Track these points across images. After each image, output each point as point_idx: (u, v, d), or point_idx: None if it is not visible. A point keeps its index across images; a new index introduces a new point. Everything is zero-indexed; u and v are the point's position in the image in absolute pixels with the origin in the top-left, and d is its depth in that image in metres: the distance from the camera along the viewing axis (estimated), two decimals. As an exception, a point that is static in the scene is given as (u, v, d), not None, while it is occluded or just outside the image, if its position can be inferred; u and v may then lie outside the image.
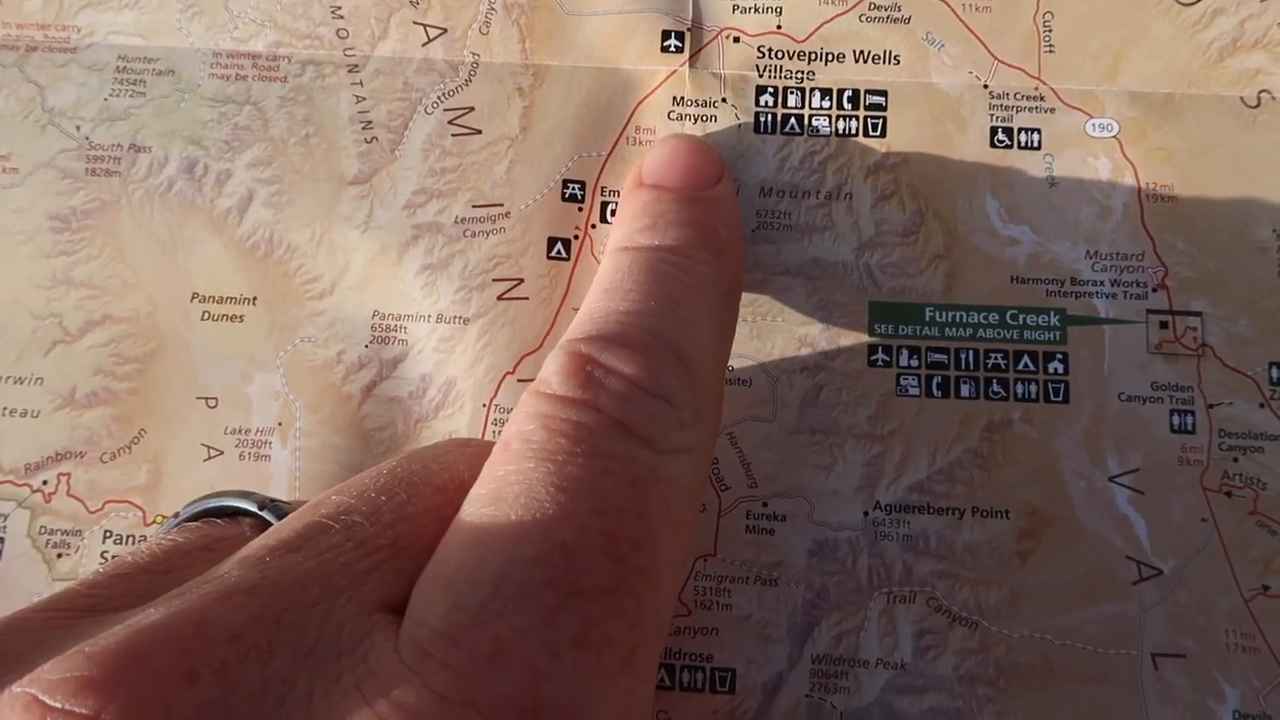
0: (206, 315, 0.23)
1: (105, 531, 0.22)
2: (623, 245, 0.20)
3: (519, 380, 0.23)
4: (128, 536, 0.22)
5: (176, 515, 0.19)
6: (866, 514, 0.22)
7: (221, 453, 0.22)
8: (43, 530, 0.22)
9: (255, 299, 0.23)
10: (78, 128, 0.23)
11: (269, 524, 0.18)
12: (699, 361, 0.17)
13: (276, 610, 0.13)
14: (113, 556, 0.22)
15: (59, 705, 0.12)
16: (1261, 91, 0.23)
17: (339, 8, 0.24)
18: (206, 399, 0.22)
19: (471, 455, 0.17)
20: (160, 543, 0.17)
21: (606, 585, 0.14)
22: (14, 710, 0.12)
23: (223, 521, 0.18)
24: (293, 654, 0.13)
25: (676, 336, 0.17)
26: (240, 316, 0.23)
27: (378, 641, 0.13)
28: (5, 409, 0.22)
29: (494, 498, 0.15)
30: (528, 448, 0.15)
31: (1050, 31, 0.24)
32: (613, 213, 0.23)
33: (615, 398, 0.16)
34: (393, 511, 0.16)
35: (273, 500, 0.19)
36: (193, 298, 0.23)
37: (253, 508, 0.18)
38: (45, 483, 0.22)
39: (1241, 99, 0.23)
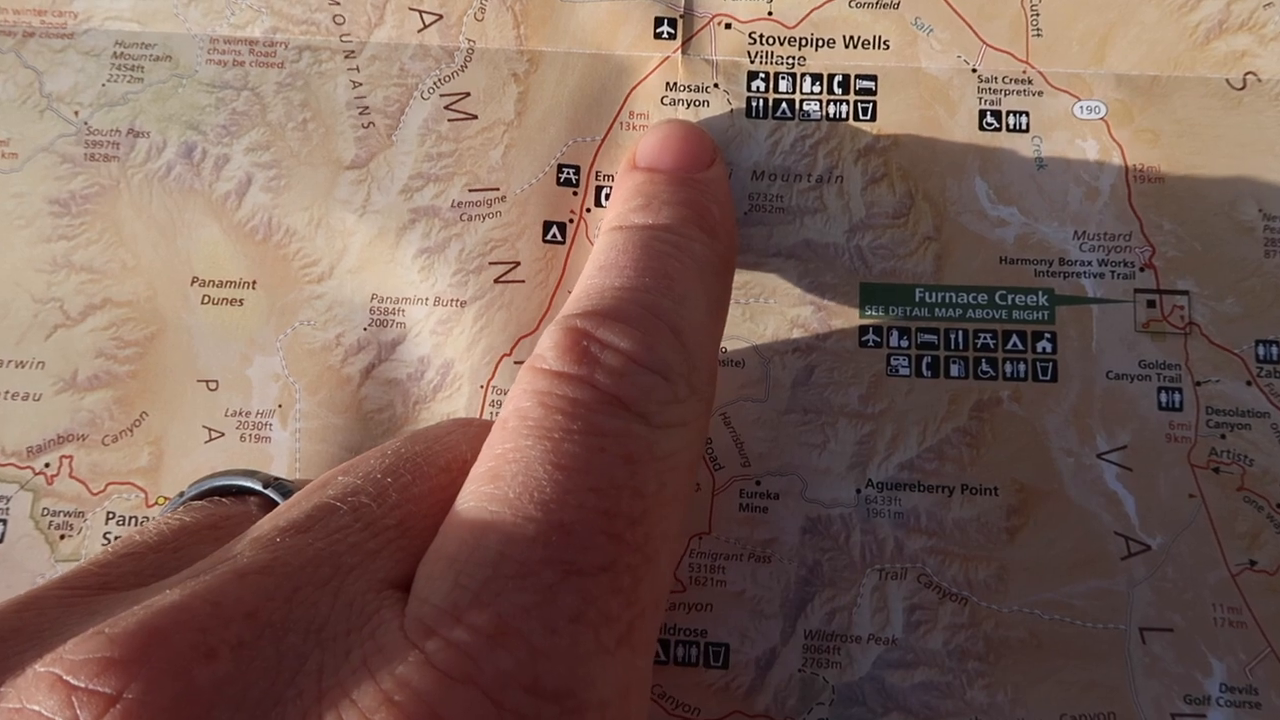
0: (206, 299, 0.23)
1: (108, 513, 0.22)
2: (617, 224, 0.20)
3: (516, 362, 0.23)
4: (130, 518, 0.22)
5: (182, 494, 0.19)
6: (859, 491, 0.22)
7: (222, 434, 0.23)
8: (45, 512, 0.22)
9: (254, 283, 0.23)
10: (76, 113, 0.24)
11: (274, 502, 0.18)
12: (693, 336, 0.18)
13: (289, 589, 0.14)
14: (116, 537, 0.22)
15: (82, 685, 0.12)
16: (1247, 73, 0.23)
17: (335, -6, 0.24)
18: (207, 381, 0.23)
19: (474, 435, 0.18)
20: (168, 521, 0.17)
21: (603, 563, 0.14)
22: (39, 689, 0.12)
23: (228, 500, 0.19)
24: (305, 631, 0.13)
25: (671, 311, 0.18)
26: (240, 300, 0.23)
27: (385, 619, 0.14)
28: (7, 392, 0.23)
29: (493, 476, 0.15)
30: (524, 425, 0.16)
31: (1038, 15, 0.24)
32: (608, 196, 0.24)
33: (611, 373, 0.16)
34: (399, 492, 0.16)
35: (277, 479, 0.19)
36: (192, 281, 0.23)
37: (258, 486, 0.19)
38: (48, 465, 0.22)
39: (1227, 81, 0.23)
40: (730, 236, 0.21)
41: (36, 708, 0.12)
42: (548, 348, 0.17)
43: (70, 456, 0.23)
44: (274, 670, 0.13)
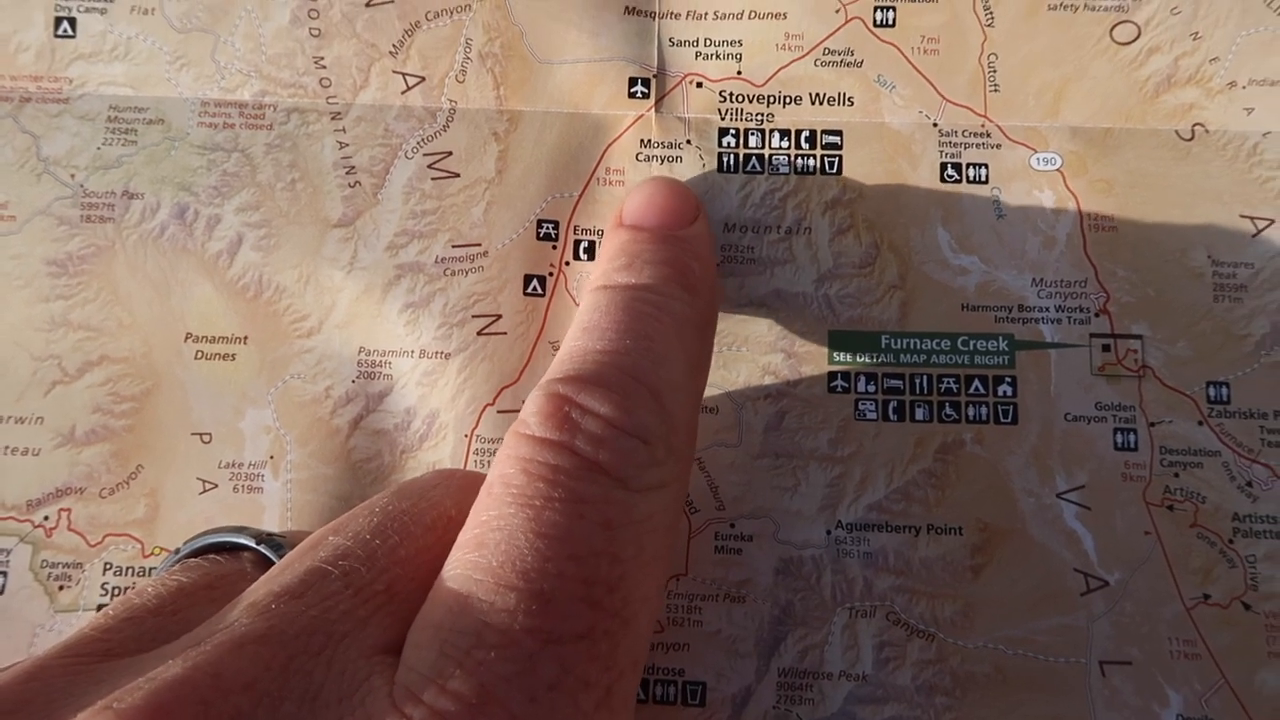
0: (200, 354, 0.24)
1: (105, 564, 0.23)
2: (601, 284, 0.21)
3: (499, 411, 0.24)
4: (127, 568, 0.23)
5: (177, 551, 0.20)
6: (829, 533, 0.23)
7: (216, 486, 0.23)
8: (44, 564, 0.23)
9: (246, 338, 0.24)
10: (72, 176, 0.25)
11: (267, 558, 0.19)
12: (672, 397, 0.18)
13: (285, 658, 0.14)
14: (114, 588, 0.23)
15: None
16: (1195, 125, 0.24)
17: (321, 58, 0.25)
18: (201, 435, 0.24)
19: (457, 489, 0.18)
20: (165, 583, 0.18)
21: (582, 630, 0.15)
22: None
23: (223, 558, 0.19)
24: (300, 699, 0.14)
25: (651, 374, 0.18)
26: (232, 355, 0.24)
27: (375, 686, 0.14)
28: (7, 448, 0.24)
29: (478, 544, 0.16)
30: (508, 492, 0.16)
31: (995, 72, 0.25)
32: (585, 250, 0.25)
33: (591, 439, 0.17)
34: (386, 555, 0.17)
35: (269, 535, 0.20)
36: (186, 338, 0.24)
37: (250, 542, 0.19)
38: (46, 518, 0.23)
39: (1176, 132, 0.24)
40: (711, 293, 0.22)
41: None
42: (531, 413, 0.17)
43: (69, 509, 0.23)
44: None
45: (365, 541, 0.17)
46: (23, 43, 0.25)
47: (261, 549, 0.19)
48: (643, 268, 0.21)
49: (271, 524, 0.23)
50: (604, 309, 0.20)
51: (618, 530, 0.16)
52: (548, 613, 0.15)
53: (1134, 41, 0.25)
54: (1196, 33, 0.25)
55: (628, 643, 0.16)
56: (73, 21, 0.25)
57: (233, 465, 0.23)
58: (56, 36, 0.25)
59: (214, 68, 0.25)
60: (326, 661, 0.15)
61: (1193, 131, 0.24)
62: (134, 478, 0.23)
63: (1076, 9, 0.25)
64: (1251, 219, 0.24)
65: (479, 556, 0.16)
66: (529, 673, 0.14)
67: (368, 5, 0.25)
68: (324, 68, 0.25)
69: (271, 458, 0.24)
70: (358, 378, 0.24)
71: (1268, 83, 0.24)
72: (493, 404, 0.24)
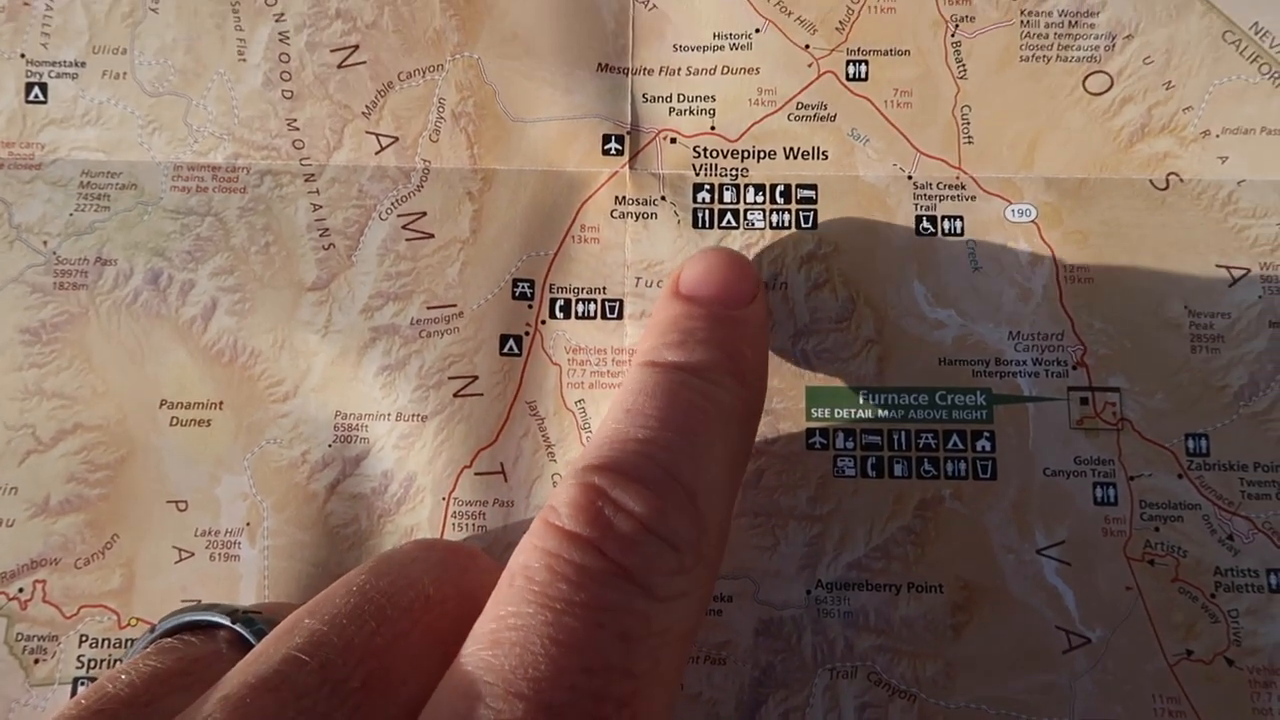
0: (175, 421, 0.24)
1: (81, 636, 0.23)
2: (649, 359, 0.20)
3: (476, 474, 0.24)
4: (103, 640, 0.23)
5: (152, 630, 0.20)
6: (809, 592, 0.23)
7: (192, 554, 0.23)
8: (20, 637, 0.23)
9: (221, 403, 0.24)
10: (45, 243, 0.24)
11: (242, 636, 0.19)
12: (708, 499, 0.18)
13: None
14: (90, 662, 0.23)
15: None
16: (1170, 174, 0.24)
17: (295, 119, 0.25)
18: (176, 502, 0.23)
19: (437, 564, 0.18)
20: (138, 669, 0.18)
21: None
22: None
23: (197, 638, 0.19)
24: None
25: (690, 473, 0.18)
26: (207, 421, 0.24)
27: None
28: (-19, 519, 0.23)
29: (493, 642, 0.16)
30: (529, 588, 0.16)
31: (968, 124, 0.25)
32: (561, 308, 0.24)
33: (620, 541, 0.17)
34: (363, 644, 0.17)
35: (245, 613, 0.20)
36: (161, 404, 0.24)
37: (225, 620, 0.19)
38: (21, 590, 0.23)
39: (1151, 182, 0.24)
40: (761, 382, 0.21)
41: None
42: (563, 502, 0.17)
43: (43, 581, 0.23)
44: None
45: (342, 628, 0.17)
46: (-5, 110, 0.25)
47: (237, 628, 0.19)
48: (695, 347, 0.20)
49: (249, 592, 0.23)
50: (649, 392, 0.19)
51: (635, 643, 0.16)
52: None
53: (1107, 92, 0.25)
54: (1169, 82, 0.25)
55: None
56: (44, 87, 0.25)
57: (209, 533, 0.23)
58: (28, 102, 0.25)
59: (186, 131, 0.25)
60: None
61: (1167, 181, 0.24)
62: (109, 547, 0.23)
63: (1049, 60, 0.25)
64: (1228, 268, 0.24)
65: (492, 657, 0.15)
66: None
67: (340, 66, 0.25)
68: (297, 129, 0.25)
69: (248, 524, 0.23)
70: (334, 442, 0.24)
71: (1241, 131, 0.24)
72: (470, 466, 0.24)
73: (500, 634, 0.16)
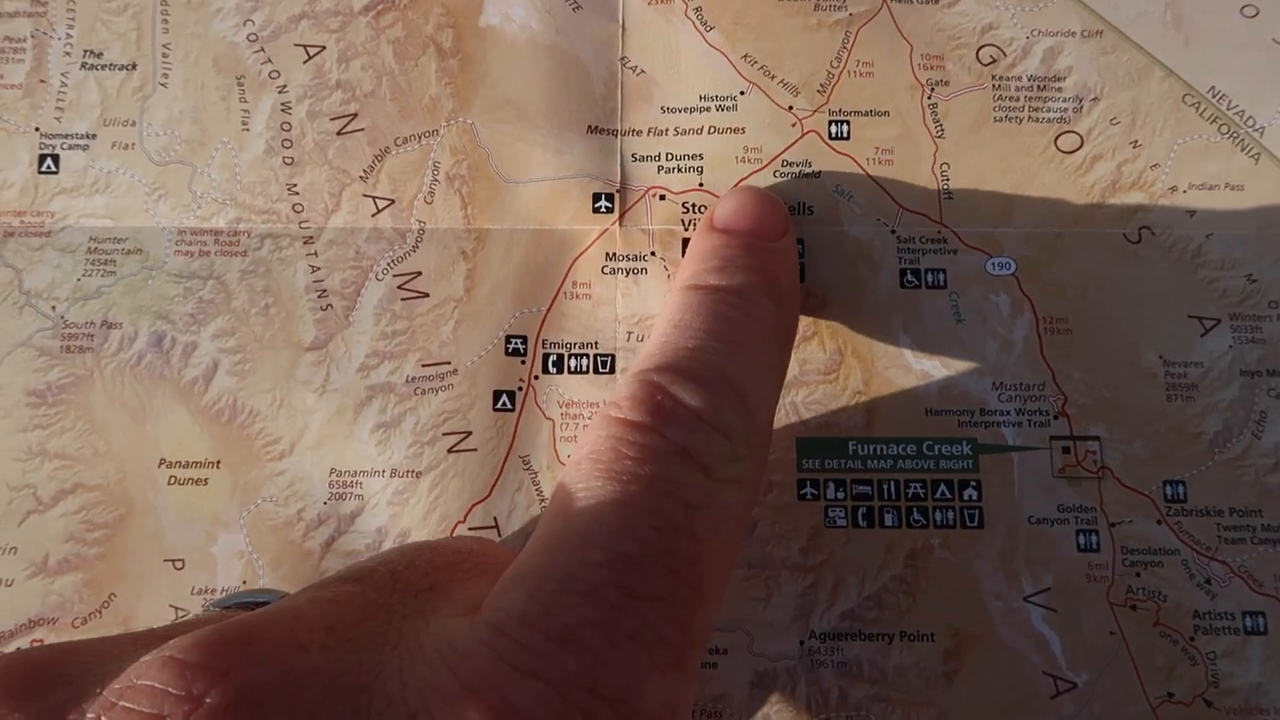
0: (173, 480, 0.24)
1: (77, 696, 0.23)
2: (691, 283, 0.21)
3: (470, 529, 0.24)
4: (99, 699, 0.23)
5: (208, 609, 0.21)
6: (802, 643, 0.23)
7: (189, 613, 0.23)
8: (17, 698, 0.23)
9: (218, 462, 0.24)
10: (53, 308, 0.25)
11: None
12: (755, 400, 0.19)
13: (355, 619, 0.16)
14: None
15: (195, 660, 0.13)
16: (1142, 228, 0.25)
17: (295, 184, 0.26)
18: (174, 561, 0.24)
19: (468, 538, 0.20)
20: (208, 615, 0.19)
21: (661, 592, 0.16)
22: (152, 667, 0.14)
23: None
24: (380, 646, 0.15)
25: (738, 376, 0.19)
26: (205, 480, 0.24)
27: (459, 628, 0.15)
28: (-19, 579, 0.24)
29: (563, 513, 0.17)
30: (596, 467, 0.17)
31: (948, 180, 0.26)
32: (554, 363, 0.25)
33: (680, 426, 0.18)
34: (425, 564, 0.18)
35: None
36: (160, 463, 0.24)
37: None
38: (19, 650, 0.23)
39: (1124, 235, 0.25)
40: (794, 304, 0.23)
41: (149, 682, 0.13)
42: (624, 397, 0.18)
43: (41, 640, 0.23)
44: (357, 668, 0.14)
45: (403, 555, 0.18)
46: (7, 179, 0.26)
47: None
48: (735, 272, 0.21)
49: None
50: (695, 308, 0.20)
51: (698, 512, 0.17)
52: (630, 571, 0.16)
53: (1078, 150, 0.26)
54: (1136, 141, 0.26)
55: (701, 615, 0.16)
56: (56, 158, 0.26)
57: (206, 591, 0.24)
58: (40, 173, 0.26)
59: (190, 197, 0.26)
60: (399, 620, 0.16)
61: (1139, 234, 0.25)
62: (106, 606, 0.23)
63: (1021, 120, 0.26)
64: (1199, 319, 0.25)
65: (565, 523, 0.16)
66: (611, 621, 0.15)
67: (339, 134, 0.26)
68: (297, 194, 0.26)
69: (244, 583, 0.24)
70: (329, 499, 0.24)
71: (1206, 186, 0.25)
72: (464, 521, 0.24)
73: (570, 505, 0.17)
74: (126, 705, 0.13)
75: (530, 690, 0.14)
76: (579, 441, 0.18)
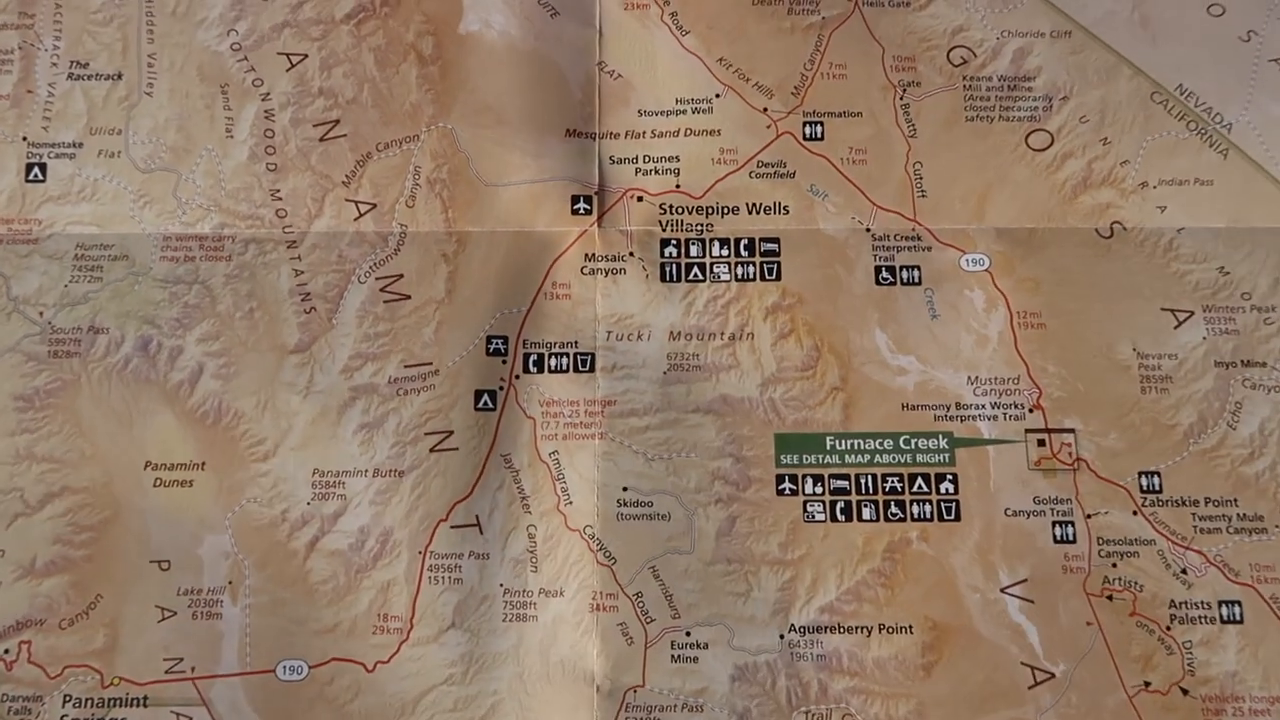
0: (158, 482, 0.24)
1: (65, 696, 0.23)
2: None
3: (452, 527, 0.24)
4: (87, 699, 0.23)
5: None
6: (782, 636, 0.23)
7: (175, 613, 0.24)
8: (5, 698, 0.23)
9: (203, 464, 0.25)
10: (40, 313, 0.25)
11: None
12: None
13: None
14: (71, 720, 0.23)
15: None
16: (1114, 223, 0.26)
17: (278, 190, 0.26)
18: (159, 562, 0.24)
19: None
20: None
21: None
22: None
23: None
24: None
25: None
26: (189, 481, 0.24)
27: None
28: (-31, 583, 0.24)
29: None
30: None
31: (921, 179, 0.26)
32: (534, 363, 0.25)
33: None
34: None
35: None
36: (145, 466, 0.25)
37: None
38: (7, 651, 0.23)
39: (1096, 230, 0.26)
40: None
41: None
42: None
43: (29, 642, 0.24)
44: None
45: None
46: (-7, 188, 0.26)
47: None
48: None
49: (231, 651, 0.23)
50: None
51: None
52: None
53: (1048, 148, 0.26)
54: (1105, 138, 0.26)
55: None
56: (43, 167, 0.26)
57: (191, 592, 0.24)
58: (28, 182, 0.26)
59: (175, 204, 0.26)
60: None
61: (1111, 229, 0.26)
62: (93, 607, 0.24)
63: (992, 120, 0.26)
64: (1172, 312, 0.25)
65: None
66: None
67: (322, 140, 0.26)
68: (280, 199, 0.26)
69: (230, 583, 0.24)
70: (312, 499, 0.24)
71: (1176, 182, 0.26)
72: (446, 519, 0.24)
73: None
74: None
75: None
76: None
